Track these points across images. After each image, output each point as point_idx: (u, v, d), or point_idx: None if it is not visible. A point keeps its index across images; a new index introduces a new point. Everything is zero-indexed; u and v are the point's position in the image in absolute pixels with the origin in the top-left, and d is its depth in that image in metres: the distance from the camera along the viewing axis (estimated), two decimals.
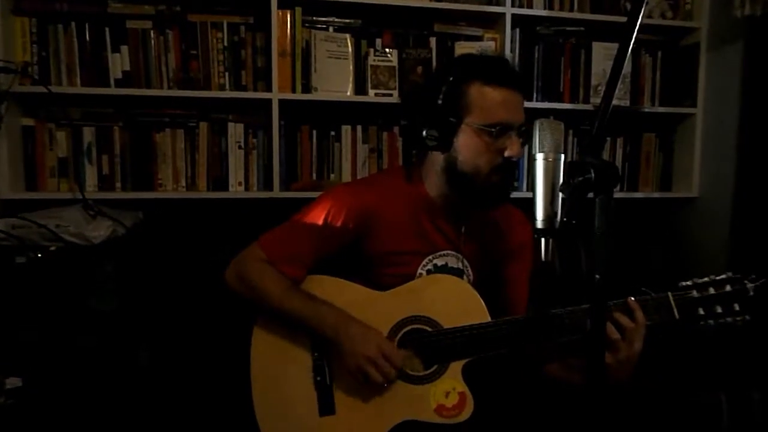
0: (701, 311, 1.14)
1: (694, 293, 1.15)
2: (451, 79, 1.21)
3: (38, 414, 1.40)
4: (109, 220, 1.65)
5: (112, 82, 1.86)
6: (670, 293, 1.15)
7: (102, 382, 1.46)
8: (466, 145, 1.20)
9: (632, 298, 1.15)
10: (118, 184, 1.92)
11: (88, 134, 1.89)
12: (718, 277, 1.16)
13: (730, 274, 1.16)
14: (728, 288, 1.14)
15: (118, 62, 1.87)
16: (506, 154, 1.18)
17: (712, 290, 1.14)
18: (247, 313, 1.28)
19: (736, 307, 1.13)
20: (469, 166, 1.20)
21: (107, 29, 1.85)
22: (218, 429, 1.57)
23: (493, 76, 1.19)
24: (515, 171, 1.24)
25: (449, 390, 1.19)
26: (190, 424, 1.58)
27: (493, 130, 1.17)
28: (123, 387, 1.49)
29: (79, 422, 1.42)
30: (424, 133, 1.21)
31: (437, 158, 1.25)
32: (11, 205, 1.71)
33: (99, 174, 1.90)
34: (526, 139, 1.22)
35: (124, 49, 1.87)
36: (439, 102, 1.20)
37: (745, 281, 1.14)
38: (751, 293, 1.13)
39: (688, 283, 1.17)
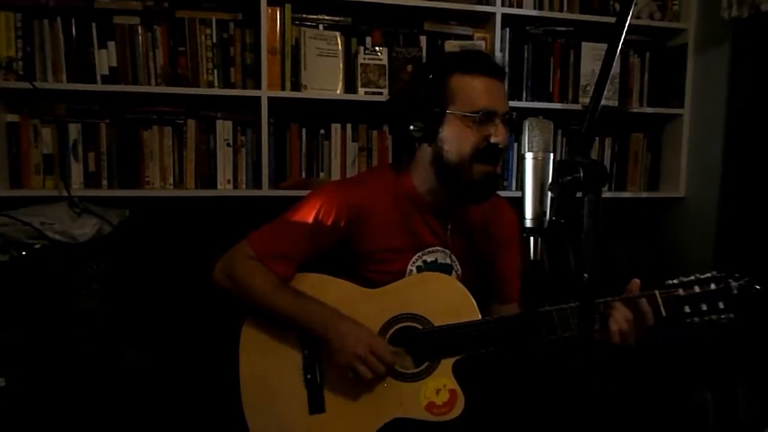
0: (687, 309, 1.15)
1: (680, 292, 1.16)
2: (432, 72, 1.23)
3: (22, 414, 1.38)
4: (95, 218, 1.63)
5: (98, 78, 1.84)
6: (657, 291, 1.17)
7: (87, 382, 1.44)
8: (451, 134, 1.21)
9: (623, 296, 1.16)
10: (105, 182, 1.89)
11: (74, 131, 1.86)
12: (703, 276, 1.17)
13: (715, 272, 1.17)
14: (713, 286, 1.15)
15: (105, 58, 1.84)
16: (492, 140, 1.19)
17: (697, 289, 1.15)
18: (236, 312, 1.27)
19: (721, 305, 1.14)
20: (455, 155, 1.21)
21: (94, 25, 1.83)
22: (207, 429, 1.56)
23: (473, 66, 1.22)
24: (500, 158, 1.24)
25: (440, 387, 1.19)
26: (178, 424, 1.56)
27: (476, 116, 1.19)
28: (109, 387, 1.47)
29: (64, 422, 1.40)
30: (410, 126, 1.22)
31: (425, 152, 1.26)
32: None
33: (85, 171, 1.88)
34: (512, 127, 1.24)
35: (111, 45, 1.85)
36: (423, 95, 1.22)
37: (730, 280, 1.16)
38: (735, 291, 1.14)
39: (675, 281, 1.18)
